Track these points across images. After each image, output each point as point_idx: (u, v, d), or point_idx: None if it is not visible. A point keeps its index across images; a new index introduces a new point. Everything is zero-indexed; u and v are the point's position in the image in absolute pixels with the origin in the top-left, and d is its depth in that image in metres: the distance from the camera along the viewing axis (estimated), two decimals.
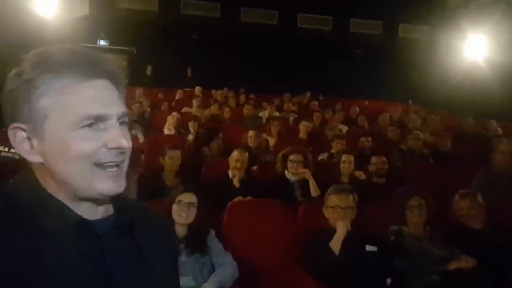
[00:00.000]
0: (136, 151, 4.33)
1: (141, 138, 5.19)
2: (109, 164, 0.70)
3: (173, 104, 8.04)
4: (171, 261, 0.84)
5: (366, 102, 10.22)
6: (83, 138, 0.68)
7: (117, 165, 0.71)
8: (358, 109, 8.29)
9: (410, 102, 10.41)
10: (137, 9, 9.83)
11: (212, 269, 2.45)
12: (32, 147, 0.69)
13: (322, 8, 11.01)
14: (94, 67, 0.70)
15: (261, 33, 10.82)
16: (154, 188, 3.47)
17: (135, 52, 11.37)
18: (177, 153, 3.69)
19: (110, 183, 0.70)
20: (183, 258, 2.39)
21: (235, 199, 3.24)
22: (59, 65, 0.68)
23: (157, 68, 10.62)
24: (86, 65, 0.69)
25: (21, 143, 0.69)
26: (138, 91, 8.31)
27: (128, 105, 5.75)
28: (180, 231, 2.46)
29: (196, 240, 2.45)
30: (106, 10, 9.40)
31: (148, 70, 10.54)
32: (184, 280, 2.33)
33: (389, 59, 11.50)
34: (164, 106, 7.56)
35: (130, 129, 4.16)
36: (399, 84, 11.08)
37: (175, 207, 2.45)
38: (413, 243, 2.74)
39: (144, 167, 4.20)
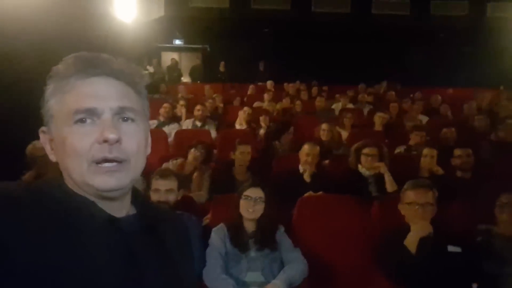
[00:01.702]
0: (209, 146, 4.43)
1: (213, 134, 5.30)
2: (103, 162, 0.70)
3: (245, 99, 8.14)
4: (190, 256, 0.87)
5: (450, 90, 9.48)
6: (77, 134, 0.69)
7: (118, 162, 0.71)
8: (440, 98, 7.70)
9: (501, 88, 9.47)
10: (209, 7, 10.07)
11: (282, 265, 2.41)
12: (51, 147, 0.74)
13: None
14: (91, 66, 0.72)
15: (333, 22, 10.49)
16: (225, 182, 3.52)
17: (209, 49, 11.68)
18: (247, 148, 3.70)
19: (104, 178, 0.70)
20: (252, 253, 2.39)
21: (306, 194, 3.16)
22: (63, 68, 0.72)
23: (229, 63, 10.81)
24: (83, 65, 0.72)
25: (45, 144, 0.75)
26: (207, 87, 8.52)
27: (202, 101, 5.93)
28: (249, 226, 2.45)
29: (264, 235, 2.43)
30: (180, 10, 9.75)
31: (221, 66, 10.79)
32: (253, 276, 2.33)
33: (477, 42, 10.55)
34: (236, 101, 7.67)
35: (203, 125, 4.28)
36: (489, 69, 10.11)
37: (242, 202, 2.45)
38: (504, 244, 2.46)
39: (216, 161, 4.28)
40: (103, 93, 0.72)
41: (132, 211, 0.78)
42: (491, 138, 4.84)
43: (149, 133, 0.80)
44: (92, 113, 0.70)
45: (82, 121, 0.70)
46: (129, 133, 0.72)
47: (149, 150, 0.80)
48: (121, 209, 0.76)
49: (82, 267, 0.65)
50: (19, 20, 3.66)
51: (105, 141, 0.69)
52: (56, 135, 0.72)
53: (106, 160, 0.70)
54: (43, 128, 0.75)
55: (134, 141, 0.73)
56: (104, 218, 0.71)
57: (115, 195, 0.73)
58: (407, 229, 2.39)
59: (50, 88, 0.73)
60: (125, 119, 0.73)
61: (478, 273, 2.34)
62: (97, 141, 0.69)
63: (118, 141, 0.70)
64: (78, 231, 0.67)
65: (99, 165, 0.70)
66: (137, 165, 0.74)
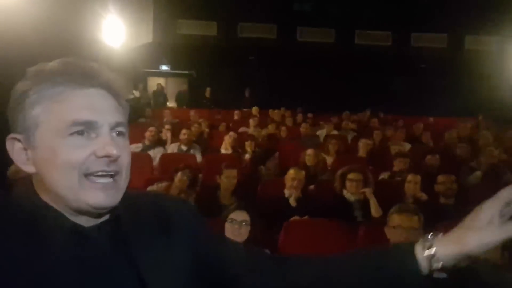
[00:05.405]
0: (195, 170, 4.40)
1: (198, 158, 5.28)
2: (100, 174, 0.69)
3: (230, 124, 8.17)
4: (184, 238, 0.79)
5: (431, 119, 9.71)
6: (72, 146, 0.67)
7: (111, 176, 0.70)
8: (422, 126, 7.87)
9: (480, 117, 9.75)
10: (196, 34, 10.25)
11: None
12: (27, 157, 0.69)
13: (380, 23, 10.77)
14: (88, 77, 0.71)
15: (318, 52, 10.77)
16: (210, 206, 3.48)
17: (195, 75, 11.78)
18: (233, 172, 3.69)
19: (100, 195, 0.69)
20: None
21: (292, 219, 3.15)
22: (51, 75, 0.69)
23: (215, 90, 10.92)
24: (79, 75, 0.70)
25: (18, 153, 0.70)
26: (193, 112, 8.59)
27: (188, 126, 5.91)
28: None
29: None
30: (168, 36, 9.90)
31: (207, 92, 10.86)
32: None
33: (456, 73, 10.92)
34: (222, 127, 7.69)
35: (188, 149, 4.21)
36: (467, 100, 10.44)
37: (227, 225, 2.43)
38: (488, 270, 2.47)
39: (201, 185, 4.24)
40: (100, 107, 0.71)
41: (105, 217, 0.74)
42: (472, 165, 4.93)
43: None
44: (90, 126, 0.69)
45: (78, 133, 0.68)
46: (122, 147, 0.72)
47: None
48: (104, 216, 0.74)
49: (44, 278, 0.64)
50: (6, 41, 3.65)
51: (107, 156, 0.68)
52: (42, 146, 0.68)
53: (103, 174, 0.69)
54: (15, 136, 0.69)
55: (127, 155, 0.74)
56: (69, 227, 0.69)
57: (106, 211, 0.72)
58: None
59: (34, 95, 0.68)
60: (118, 134, 0.73)
61: None
62: (95, 155, 0.68)
63: (119, 157, 0.70)
64: (42, 241, 0.66)
65: (93, 181, 0.69)
66: (126, 178, 0.74)
